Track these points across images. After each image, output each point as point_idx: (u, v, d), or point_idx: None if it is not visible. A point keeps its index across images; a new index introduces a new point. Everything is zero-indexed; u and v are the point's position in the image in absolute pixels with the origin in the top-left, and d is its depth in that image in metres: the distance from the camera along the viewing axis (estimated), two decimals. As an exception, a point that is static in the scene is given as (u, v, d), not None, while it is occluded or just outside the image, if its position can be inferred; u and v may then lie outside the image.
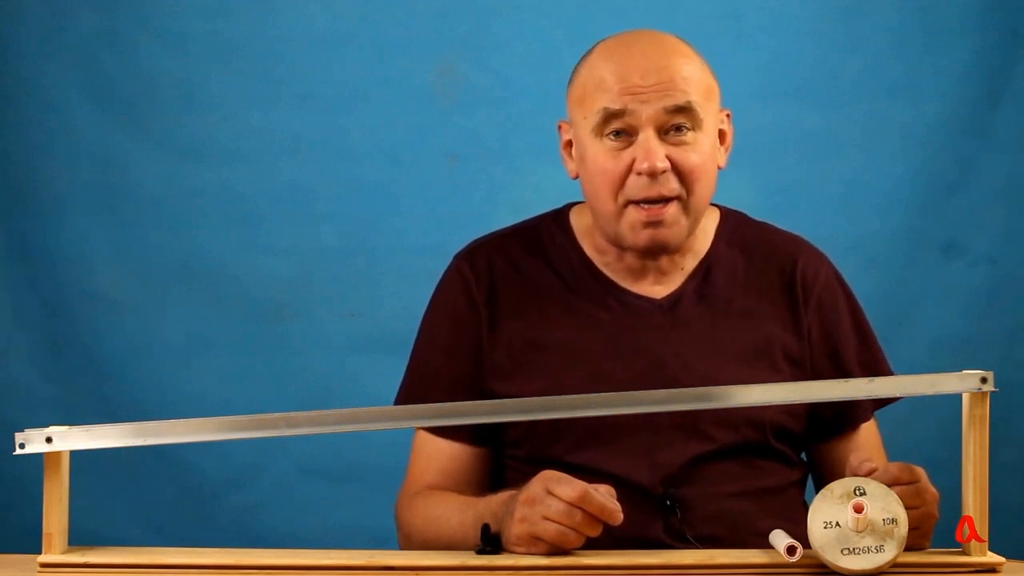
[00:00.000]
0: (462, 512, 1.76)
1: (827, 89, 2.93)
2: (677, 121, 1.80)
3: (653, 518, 1.79)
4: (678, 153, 1.80)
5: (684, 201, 1.82)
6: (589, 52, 1.88)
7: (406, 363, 1.98)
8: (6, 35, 2.88)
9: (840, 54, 2.93)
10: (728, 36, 2.91)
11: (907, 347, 2.82)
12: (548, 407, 1.62)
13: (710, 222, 1.93)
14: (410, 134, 2.92)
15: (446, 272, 1.96)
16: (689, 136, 1.81)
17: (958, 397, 1.58)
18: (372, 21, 2.93)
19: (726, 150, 1.88)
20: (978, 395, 1.57)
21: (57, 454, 1.57)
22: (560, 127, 1.91)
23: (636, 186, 1.80)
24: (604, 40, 1.88)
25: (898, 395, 1.77)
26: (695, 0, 2.90)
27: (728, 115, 1.89)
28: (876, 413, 1.95)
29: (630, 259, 1.88)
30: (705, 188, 1.83)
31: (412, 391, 1.95)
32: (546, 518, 1.59)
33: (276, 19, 2.92)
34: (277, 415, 1.60)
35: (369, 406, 1.60)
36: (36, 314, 2.90)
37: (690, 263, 1.91)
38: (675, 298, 1.89)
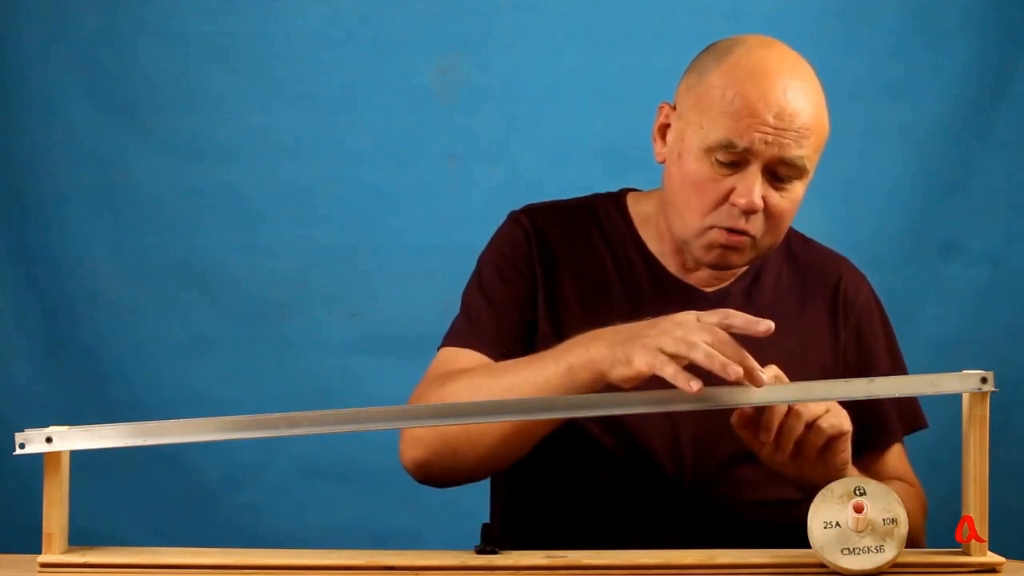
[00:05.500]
0: (535, 360, 1.70)
1: (827, 89, 2.91)
2: (786, 170, 1.78)
3: (674, 510, 1.81)
4: (773, 196, 1.79)
5: (758, 240, 1.81)
6: (728, 51, 1.81)
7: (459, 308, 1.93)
8: (6, 35, 2.88)
9: (840, 54, 2.93)
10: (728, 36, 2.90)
11: (907, 347, 2.81)
12: (548, 407, 1.62)
13: None
14: (410, 134, 2.93)
15: (503, 225, 1.94)
16: (791, 183, 1.80)
17: (958, 397, 1.58)
18: (372, 21, 2.93)
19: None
20: (978, 395, 1.57)
21: (57, 454, 1.57)
22: (662, 108, 1.87)
23: (727, 214, 1.79)
24: (744, 46, 1.81)
25: (898, 395, 1.77)
26: (695, 0, 2.89)
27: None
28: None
29: (688, 257, 1.89)
30: (783, 230, 1.84)
31: (472, 326, 1.88)
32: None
33: (276, 19, 2.92)
34: (277, 415, 1.59)
35: (369, 406, 1.60)
36: (36, 314, 2.90)
37: (743, 266, 1.91)
38: (723, 294, 1.90)
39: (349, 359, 2.91)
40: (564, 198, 1.99)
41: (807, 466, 1.68)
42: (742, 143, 1.76)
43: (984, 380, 1.56)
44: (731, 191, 1.78)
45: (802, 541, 1.56)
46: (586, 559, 1.59)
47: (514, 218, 1.94)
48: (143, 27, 2.90)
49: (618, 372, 1.63)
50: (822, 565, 1.54)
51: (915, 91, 2.93)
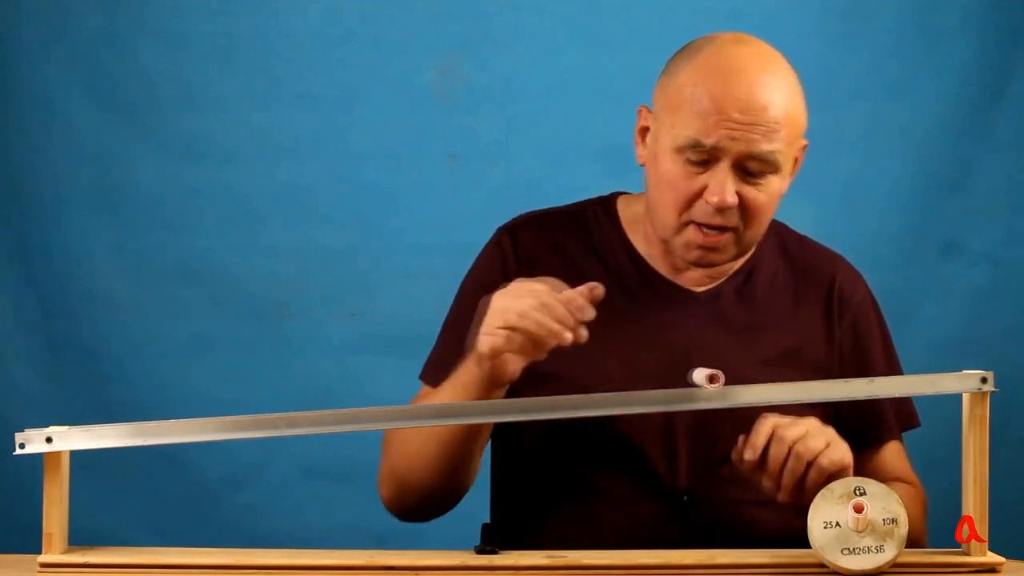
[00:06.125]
0: (447, 384, 1.76)
1: (827, 89, 2.93)
2: (757, 165, 1.78)
3: (669, 513, 1.81)
4: (748, 191, 1.79)
5: (740, 233, 1.81)
6: (698, 50, 1.83)
7: (427, 352, 1.96)
8: (6, 35, 2.88)
9: (840, 54, 2.93)
10: (728, 36, 2.91)
11: (907, 347, 2.81)
12: (551, 407, 1.62)
13: None
14: (410, 134, 2.93)
15: (488, 243, 1.95)
16: (764, 178, 1.80)
17: (958, 397, 1.58)
18: (372, 21, 2.93)
19: (791, 175, 1.87)
20: (978, 395, 1.57)
21: (57, 454, 1.57)
22: (640, 112, 1.88)
23: (702, 211, 1.80)
24: (714, 43, 1.83)
25: (898, 395, 1.77)
26: (695, 0, 2.89)
27: (804, 146, 1.87)
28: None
29: (676, 258, 1.89)
30: (763, 224, 1.84)
31: (439, 355, 1.92)
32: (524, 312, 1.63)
33: (276, 19, 2.92)
34: (277, 415, 1.60)
35: (369, 406, 1.60)
36: (36, 314, 2.90)
37: (734, 265, 1.91)
38: (715, 293, 1.89)
39: (349, 359, 2.91)
40: (556, 205, 1.99)
41: (809, 501, 1.66)
42: (709, 141, 1.77)
43: (984, 380, 1.57)
44: (704, 189, 1.79)
45: (800, 541, 1.56)
46: (586, 559, 1.59)
47: (497, 239, 1.95)
48: (143, 27, 2.90)
49: (484, 367, 1.67)
50: (822, 565, 1.54)
51: (915, 91, 2.93)
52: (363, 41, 2.93)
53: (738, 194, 1.78)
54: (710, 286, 1.90)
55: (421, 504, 1.86)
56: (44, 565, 1.56)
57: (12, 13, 2.88)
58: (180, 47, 2.90)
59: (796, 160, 1.87)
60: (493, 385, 1.70)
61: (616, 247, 1.92)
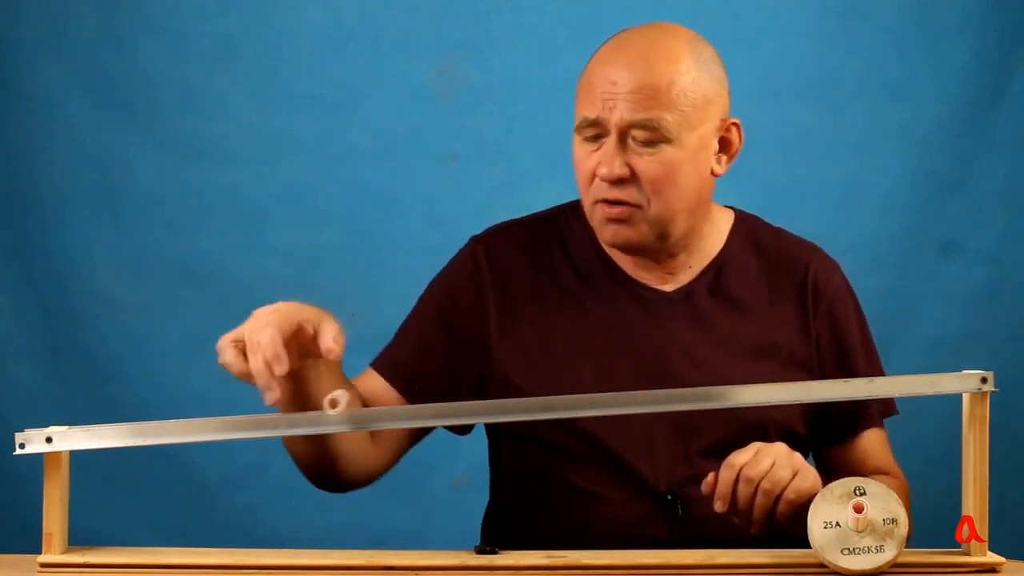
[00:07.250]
0: None
1: (826, 89, 2.94)
2: (642, 134, 1.78)
3: (655, 511, 1.81)
4: (641, 163, 1.79)
5: (644, 210, 1.81)
6: (607, 41, 1.87)
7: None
8: (6, 35, 2.88)
9: (839, 54, 2.93)
10: (727, 36, 2.88)
11: (907, 347, 2.83)
12: (549, 407, 1.62)
13: (723, 223, 1.93)
14: (410, 134, 2.93)
15: (459, 253, 1.95)
16: (656, 148, 1.79)
17: (958, 397, 1.58)
18: (372, 21, 2.93)
19: (729, 159, 1.86)
20: (978, 395, 1.57)
21: (57, 454, 1.57)
22: None
23: (600, 188, 1.82)
24: (624, 32, 1.86)
25: (898, 395, 1.77)
26: (695, 0, 2.89)
27: (735, 124, 1.86)
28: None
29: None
30: (672, 200, 1.82)
31: (394, 351, 1.97)
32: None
33: (276, 19, 2.92)
34: (277, 415, 1.60)
35: (369, 406, 1.60)
36: (36, 314, 2.90)
37: (701, 262, 1.90)
38: (686, 291, 1.89)
39: (349, 359, 2.89)
40: (530, 213, 1.99)
41: (784, 528, 1.66)
42: (592, 115, 1.79)
43: (984, 380, 1.56)
44: (598, 165, 1.81)
45: (787, 538, 1.56)
46: (586, 559, 1.59)
47: (469, 248, 1.94)
48: (143, 27, 2.91)
49: None
50: (822, 565, 1.54)
51: (915, 91, 2.93)
52: (363, 41, 2.93)
53: (630, 166, 1.79)
54: (678, 285, 1.90)
55: (307, 476, 1.97)
56: (44, 565, 1.56)
57: (12, 13, 2.88)
58: (180, 47, 2.91)
59: (728, 141, 1.86)
60: (292, 396, 1.77)
61: (586, 249, 1.92)
